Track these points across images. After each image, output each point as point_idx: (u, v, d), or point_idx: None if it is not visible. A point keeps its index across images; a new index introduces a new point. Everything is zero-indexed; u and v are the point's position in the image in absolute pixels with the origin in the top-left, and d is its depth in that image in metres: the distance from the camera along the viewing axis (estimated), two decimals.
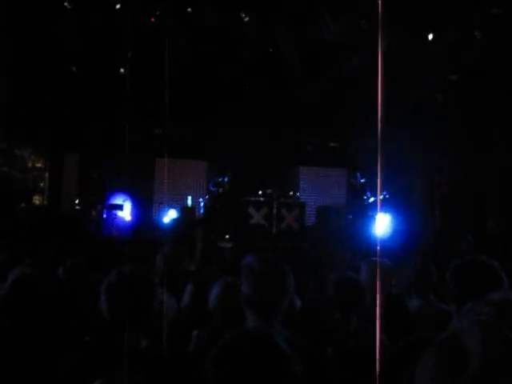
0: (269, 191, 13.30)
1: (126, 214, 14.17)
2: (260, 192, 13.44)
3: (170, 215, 13.92)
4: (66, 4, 10.66)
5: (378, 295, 2.28)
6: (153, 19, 11.07)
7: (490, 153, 12.91)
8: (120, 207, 13.78)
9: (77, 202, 14.27)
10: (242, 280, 2.72)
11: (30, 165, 14.25)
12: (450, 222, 13.67)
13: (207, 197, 14.26)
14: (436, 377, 1.10)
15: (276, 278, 2.64)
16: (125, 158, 12.81)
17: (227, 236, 11.52)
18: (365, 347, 2.06)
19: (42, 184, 14.54)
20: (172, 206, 14.18)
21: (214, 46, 11.67)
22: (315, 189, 15.64)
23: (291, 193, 14.40)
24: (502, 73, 10.94)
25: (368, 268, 3.90)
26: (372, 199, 13.75)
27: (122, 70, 12.63)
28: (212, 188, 13.82)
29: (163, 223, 13.42)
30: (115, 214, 13.74)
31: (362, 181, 14.12)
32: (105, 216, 13.34)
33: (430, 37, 11.01)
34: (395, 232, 10.95)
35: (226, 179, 13.64)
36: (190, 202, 14.21)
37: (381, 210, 7.21)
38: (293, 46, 11.96)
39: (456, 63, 11.73)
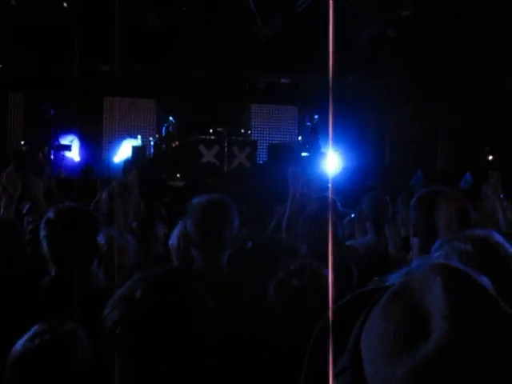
0: (220, 129, 13.15)
1: (74, 154, 13.88)
2: (211, 130, 13.28)
3: (120, 155, 13.71)
4: None
5: (329, 232, 2.24)
6: None
7: (443, 90, 13.00)
8: (68, 148, 13.48)
9: (22, 143, 13.87)
10: (187, 220, 2.68)
11: None
12: (400, 159, 13.85)
13: (157, 136, 14.04)
14: (385, 347, 0.79)
15: (216, 213, 2.59)
16: (72, 96, 12.45)
17: (178, 175, 11.40)
18: (309, 285, 2.02)
19: None
20: (122, 146, 13.96)
21: None
22: (267, 127, 15.56)
23: (242, 131, 14.29)
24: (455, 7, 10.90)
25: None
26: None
27: (65, 5, 12.14)
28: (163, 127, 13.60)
29: (113, 163, 13.21)
30: (63, 155, 13.43)
31: (315, 117, 14.07)
32: (52, 157, 13.02)
33: None
34: (346, 169, 11.04)
35: (174, 118, 13.42)
36: (140, 141, 13.98)
37: (332, 148, 7.22)
38: None
39: None
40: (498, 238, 1.68)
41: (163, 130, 13.49)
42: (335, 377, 0.85)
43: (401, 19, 12.24)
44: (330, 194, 3.93)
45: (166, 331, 1.37)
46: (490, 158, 12.64)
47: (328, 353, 0.89)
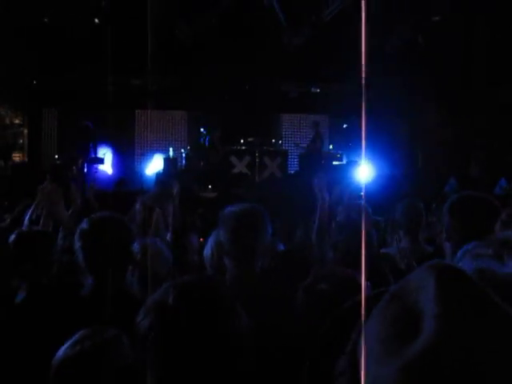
0: (250, 140, 13.19)
1: (107, 167, 14.04)
2: (242, 141, 13.34)
3: (152, 167, 13.83)
4: None
5: (363, 239, 2.23)
6: None
7: (474, 95, 12.86)
8: (101, 161, 13.63)
9: (57, 157, 14.10)
10: (220, 230, 2.69)
11: (7, 121, 14.01)
12: (432, 166, 13.72)
13: (189, 147, 14.14)
14: (377, 348, 0.80)
15: (249, 222, 2.60)
16: (105, 110, 12.63)
17: (210, 186, 11.46)
18: (336, 291, 2.01)
19: (21, 141, 14.33)
20: (154, 158, 14.09)
21: None
22: (298, 136, 15.55)
23: (273, 141, 14.32)
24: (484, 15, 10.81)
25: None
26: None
27: (96, 20, 12.35)
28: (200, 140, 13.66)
29: (146, 175, 13.32)
30: (96, 168, 13.59)
31: (345, 126, 14.03)
32: (86, 170, 13.19)
33: None
34: (379, 177, 10.96)
35: (207, 129, 13.49)
36: (171, 153, 14.09)
37: (365, 156, 7.18)
38: None
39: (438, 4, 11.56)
40: None
41: (202, 140, 13.51)
42: (334, 380, 0.86)
43: (431, 24, 12.18)
44: (362, 202, 3.91)
45: (197, 337, 1.38)
46: None
47: (329, 355, 0.91)
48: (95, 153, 13.50)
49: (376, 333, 0.82)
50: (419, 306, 0.80)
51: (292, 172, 13.84)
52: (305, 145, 13.99)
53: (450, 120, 13.54)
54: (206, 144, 13.23)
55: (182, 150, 14.11)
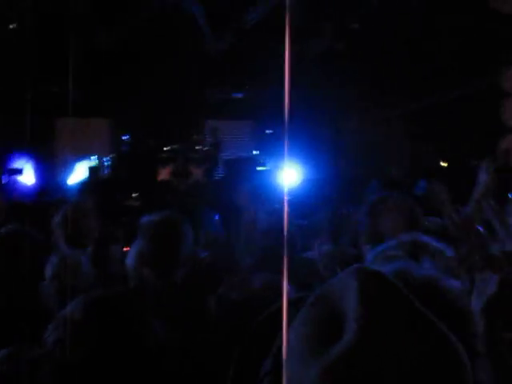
0: (175, 147, 13.09)
1: (27, 177, 13.61)
2: (166, 148, 13.21)
3: (74, 176, 13.51)
4: None
5: (285, 244, 2.23)
6: None
7: (396, 99, 13.22)
8: (19, 171, 13.21)
9: None
10: (139, 239, 2.65)
11: None
12: (356, 169, 14.00)
13: (112, 156, 13.88)
14: (301, 349, 0.81)
15: (168, 232, 2.56)
16: (23, 119, 12.22)
17: (134, 195, 11.29)
18: (249, 298, 2.00)
19: None
20: (76, 168, 13.76)
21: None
22: (223, 142, 15.54)
23: (198, 147, 14.25)
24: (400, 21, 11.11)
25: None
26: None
27: (11, 26, 11.98)
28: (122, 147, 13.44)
29: (68, 185, 13.00)
30: (16, 179, 13.16)
31: (270, 131, 14.12)
32: (4, 181, 12.76)
33: None
34: (304, 181, 11.08)
35: (129, 138, 13.31)
36: (94, 161, 13.79)
37: (289, 161, 7.24)
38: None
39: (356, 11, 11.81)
40: (425, 238, 1.71)
41: (118, 149, 13.34)
42: (259, 381, 0.88)
43: (350, 32, 12.44)
44: (285, 207, 3.93)
45: (103, 352, 1.35)
46: (444, 164, 12.87)
47: (253, 359, 0.93)
48: (10, 163, 13.08)
49: (301, 334, 0.84)
50: (342, 308, 0.83)
51: (217, 178, 13.82)
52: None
53: (372, 124, 13.88)
54: (130, 152, 13.04)
55: (105, 159, 13.83)
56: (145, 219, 2.62)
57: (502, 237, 3.33)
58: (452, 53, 10.55)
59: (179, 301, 2.44)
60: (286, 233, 2.79)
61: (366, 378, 0.76)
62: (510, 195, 4.81)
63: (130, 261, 3.14)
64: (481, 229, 4.22)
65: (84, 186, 10.89)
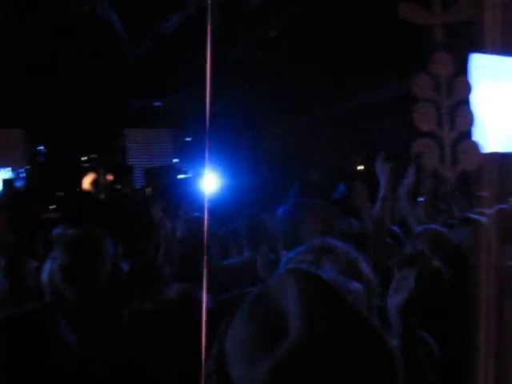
0: (93, 156, 12.85)
1: None
2: (85, 158, 12.94)
3: None
4: None
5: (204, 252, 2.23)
6: None
7: (314, 108, 13.49)
8: None
9: None
10: (55, 253, 2.58)
11: None
12: (276, 174, 14.15)
13: (27, 167, 13.45)
14: (247, 348, 0.83)
15: (86, 246, 2.51)
16: None
17: (52, 206, 11.00)
18: (164, 308, 1.99)
19: None
20: None
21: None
22: (142, 151, 15.37)
23: (118, 156, 14.04)
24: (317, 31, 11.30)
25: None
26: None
27: None
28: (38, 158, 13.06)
29: None
30: None
31: (189, 139, 14.08)
32: None
33: None
34: (224, 188, 11.10)
35: (45, 147, 12.97)
36: (8, 173, 13.33)
37: (208, 167, 7.25)
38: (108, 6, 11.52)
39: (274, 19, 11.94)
40: (333, 241, 1.75)
41: (34, 160, 12.97)
42: (204, 382, 0.89)
43: (269, 40, 12.57)
44: (204, 214, 3.91)
45: (15, 369, 1.32)
46: (361, 167, 13.18)
47: (195, 359, 0.95)
48: None
49: (243, 333, 0.86)
50: (283, 306, 0.86)
51: (137, 187, 13.67)
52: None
53: (293, 129, 14.08)
54: (45, 162, 12.70)
55: (20, 170, 13.39)
56: (59, 231, 2.55)
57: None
58: (369, 60, 10.82)
59: (96, 313, 2.39)
60: (204, 241, 2.79)
61: (314, 371, 0.80)
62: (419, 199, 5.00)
63: (44, 275, 3.05)
64: (396, 228, 4.36)
65: None
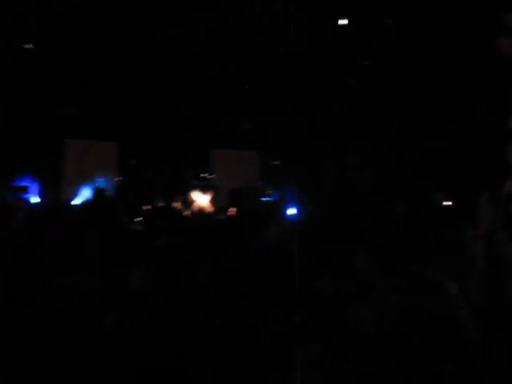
0: (180, 173, 13.13)
1: (32, 196, 13.62)
2: (172, 174, 13.25)
3: (80, 197, 13.50)
4: None
5: None
6: None
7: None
8: (25, 189, 13.25)
9: None
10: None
11: None
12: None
13: (118, 178, 13.91)
14: None
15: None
16: (32, 140, 12.30)
17: (138, 218, 11.28)
18: None
19: None
20: (83, 188, 13.76)
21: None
22: (229, 172, 15.54)
23: (205, 175, 14.27)
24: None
25: None
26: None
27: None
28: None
29: (73, 205, 13.00)
30: (21, 197, 13.18)
31: (275, 162, 14.14)
32: (9, 199, 12.77)
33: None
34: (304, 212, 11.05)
35: (135, 161, 13.37)
36: (101, 183, 13.81)
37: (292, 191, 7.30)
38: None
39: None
40: None
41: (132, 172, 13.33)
42: None
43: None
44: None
45: None
46: None
47: None
48: (16, 182, 13.14)
49: None
50: None
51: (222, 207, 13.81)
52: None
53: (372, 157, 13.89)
54: (136, 176, 13.09)
55: (112, 181, 13.86)
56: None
57: None
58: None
59: None
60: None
61: None
62: None
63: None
64: None
65: (89, 206, 10.90)
